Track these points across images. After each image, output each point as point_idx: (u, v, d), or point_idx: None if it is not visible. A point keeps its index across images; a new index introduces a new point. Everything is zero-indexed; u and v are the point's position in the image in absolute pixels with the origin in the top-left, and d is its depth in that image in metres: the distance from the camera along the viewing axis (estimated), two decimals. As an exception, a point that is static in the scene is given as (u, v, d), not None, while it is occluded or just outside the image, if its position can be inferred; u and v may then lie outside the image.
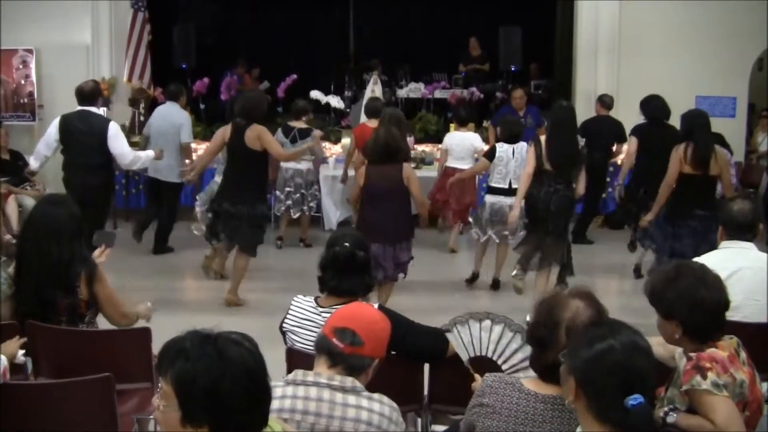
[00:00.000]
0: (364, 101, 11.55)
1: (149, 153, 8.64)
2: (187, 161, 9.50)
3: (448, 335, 3.87)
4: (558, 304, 2.96)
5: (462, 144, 9.56)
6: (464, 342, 3.83)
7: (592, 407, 2.39)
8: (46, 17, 11.92)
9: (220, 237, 7.80)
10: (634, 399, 2.30)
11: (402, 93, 13.49)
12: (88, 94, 8.00)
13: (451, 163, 9.55)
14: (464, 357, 3.83)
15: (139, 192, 11.41)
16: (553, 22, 13.52)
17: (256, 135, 7.40)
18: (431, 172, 10.59)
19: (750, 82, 12.23)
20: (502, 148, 8.20)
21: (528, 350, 3.54)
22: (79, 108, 8.00)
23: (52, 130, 8.09)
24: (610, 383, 2.35)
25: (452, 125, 9.88)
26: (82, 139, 7.92)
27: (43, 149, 8.27)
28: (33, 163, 8.58)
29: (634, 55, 11.96)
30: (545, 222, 7.17)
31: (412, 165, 8.60)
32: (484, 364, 3.75)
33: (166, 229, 9.88)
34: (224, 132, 7.68)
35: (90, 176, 7.90)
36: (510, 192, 7.97)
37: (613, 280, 9.22)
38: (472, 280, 8.69)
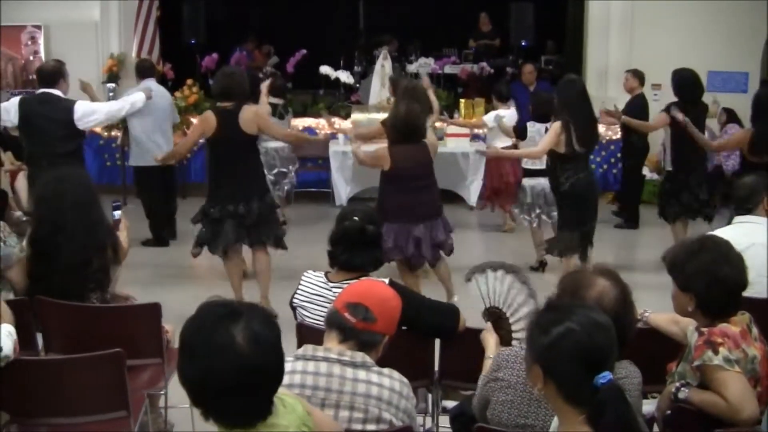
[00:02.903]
0: (374, 77, 11.48)
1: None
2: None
3: (468, 284, 3.87)
4: (583, 283, 2.93)
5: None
6: (482, 292, 3.84)
7: (562, 392, 2.35)
8: (55, -7, 11.86)
9: (225, 247, 6.63)
10: (603, 377, 2.26)
11: (411, 68, 13.43)
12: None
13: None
14: (482, 307, 3.86)
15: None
16: (565, -3, 13.39)
17: (252, 116, 6.50)
18: (440, 147, 10.43)
19: (762, 57, 12.13)
20: (534, 127, 7.87)
21: (532, 304, 3.65)
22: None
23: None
24: (575, 365, 2.31)
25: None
26: None
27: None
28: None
29: (646, 29, 11.82)
30: (592, 208, 6.91)
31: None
32: (496, 317, 3.83)
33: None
34: (205, 122, 6.51)
35: None
36: (548, 172, 7.38)
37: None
38: (543, 267, 8.01)
